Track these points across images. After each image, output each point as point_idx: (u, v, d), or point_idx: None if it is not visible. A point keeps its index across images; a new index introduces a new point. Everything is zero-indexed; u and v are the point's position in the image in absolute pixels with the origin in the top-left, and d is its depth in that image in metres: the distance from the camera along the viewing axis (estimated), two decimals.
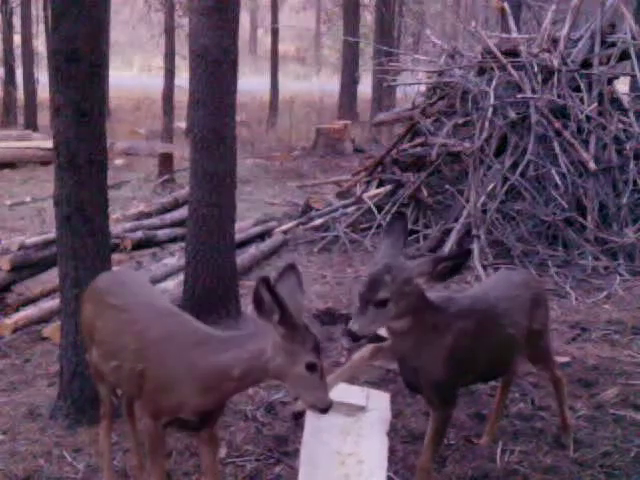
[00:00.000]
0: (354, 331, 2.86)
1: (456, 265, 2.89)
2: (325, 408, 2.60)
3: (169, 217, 7.59)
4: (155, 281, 5.92)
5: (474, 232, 7.20)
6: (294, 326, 2.56)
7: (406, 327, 3.01)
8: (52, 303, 5.27)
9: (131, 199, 9.72)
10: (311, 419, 3.41)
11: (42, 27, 17.37)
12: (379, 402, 3.55)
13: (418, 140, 8.42)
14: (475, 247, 7.03)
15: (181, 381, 2.69)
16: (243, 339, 2.69)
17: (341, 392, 3.56)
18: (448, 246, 7.13)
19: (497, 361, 3.36)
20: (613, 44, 8.48)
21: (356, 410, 3.45)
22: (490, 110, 7.81)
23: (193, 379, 2.67)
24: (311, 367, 2.56)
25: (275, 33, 19.98)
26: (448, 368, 3.05)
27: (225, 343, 2.70)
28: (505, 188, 7.47)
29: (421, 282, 2.89)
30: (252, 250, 7.10)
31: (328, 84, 22.20)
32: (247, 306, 5.75)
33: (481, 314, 3.24)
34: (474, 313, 3.20)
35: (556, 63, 8.06)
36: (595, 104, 7.89)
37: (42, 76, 16.42)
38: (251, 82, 19.26)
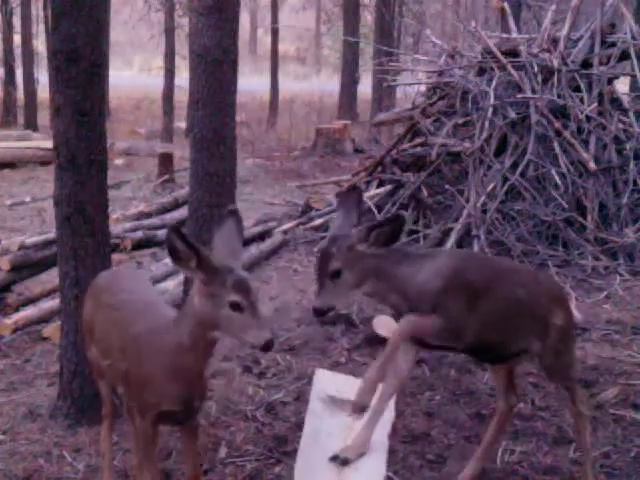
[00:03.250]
0: (317, 307, 2.97)
1: (392, 231, 2.97)
2: (264, 345, 2.50)
3: (169, 217, 7.59)
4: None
5: (474, 232, 7.20)
6: (213, 269, 2.53)
7: (379, 290, 3.06)
8: (52, 303, 5.27)
9: (131, 199, 9.72)
10: (311, 419, 3.41)
11: (42, 27, 17.37)
12: None
13: (418, 140, 8.42)
14: (475, 247, 7.04)
15: (157, 372, 2.69)
16: (183, 308, 2.71)
17: (345, 388, 3.56)
18: (448, 246, 7.13)
19: (495, 330, 3.11)
20: (613, 44, 8.48)
21: None
22: (490, 110, 7.81)
23: (165, 367, 2.67)
24: (235, 306, 2.50)
25: (275, 33, 20.00)
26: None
27: (175, 320, 2.71)
28: (505, 188, 7.46)
29: (362, 249, 2.97)
30: (252, 250, 7.10)
31: (328, 84, 22.21)
32: None
33: (476, 266, 3.22)
34: (464, 261, 3.23)
35: (556, 63, 8.05)
36: (595, 104, 7.88)
37: (42, 76, 16.43)
38: (251, 82, 19.27)
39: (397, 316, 3.25)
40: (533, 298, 3.16)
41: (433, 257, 3.17)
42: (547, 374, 3.31)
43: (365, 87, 18.65)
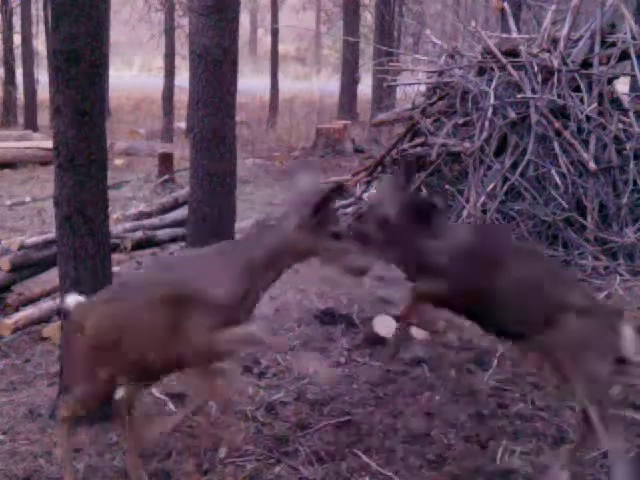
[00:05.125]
0: None
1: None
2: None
3: (169, 217, 7.57)
4: None
5: None
6: None
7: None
8: (52, 303, 5.26)
9: (131, 199, 9.72)
10: None
11: (42, 27, 17.37)
12: None
13: (418, 140, 8.42)
14: None
15: None
16: None
17: None
18: None
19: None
20: (613, 44, 8.48)
21: None
22: (490, 110, 7.81)
23: None
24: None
25: (275, 33, 19.98)
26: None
27: None
28: (505, 188, 7.47)
29: None
30: None
31: (328, 84, 22.21)
32: None
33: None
34: None
35: (556, 63, 8.05)
36: (595, 104, 7.88)
37: (42, 76, 16.42)
38: (251, 82, 19.27)
39: None
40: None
41: None
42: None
43: (365, 87, 18.64)
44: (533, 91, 7.91)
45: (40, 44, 17.45)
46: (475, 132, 7.82)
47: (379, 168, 8.68)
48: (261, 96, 19.30)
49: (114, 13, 22.29)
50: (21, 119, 16.71)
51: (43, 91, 16.20)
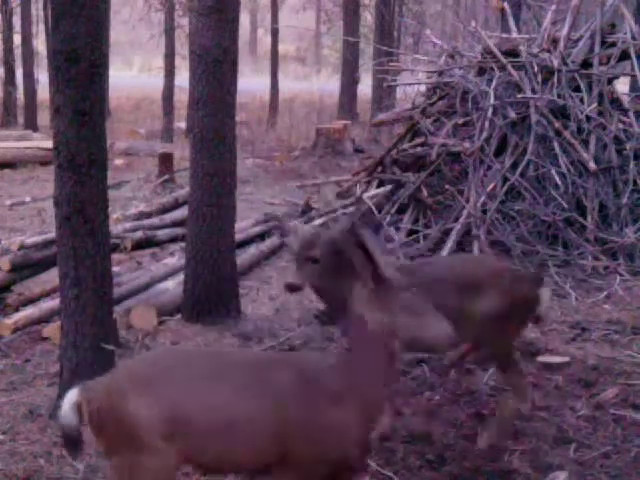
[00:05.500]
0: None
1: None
2: None
3: (169, 217, 7.58)
4: (155, 281, 5.93)
5: (474, 232, 7.20)
6: None
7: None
8: (52, 303, 5.26)
9: (131, 199, 9.72)
10: None
11: (42, 27, 17.37)
12: None
13: (418, 140, 8.41)
14: (475, 247, 7.04)
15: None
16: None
17: None
18: (448, 246, 7.13)
19: None
20: (613, 44, 8.47)
21: None
22: (490, 110, 7.80)
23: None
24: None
25: (275, 33, 19.97)
26: None
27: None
28: (505, 188, 7.46)
29: None
30: (252, 250, 7.10)
31: (328, 84, 22.20)
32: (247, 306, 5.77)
33: None
34: None
35: (556, 63, 8.05)
36: (595, 104, 7.88)
37: (42, 76, 16.42)
38: (251, 82, 19.27)
39: None
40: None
41: None
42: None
43: (365, 87, 18.63)
44: (533, 91, 7.90)
45: (40, 44, 17.45)
46: (475, 132, 7.81)
47: (379, 168, 8.67)
48: (261, 96, 19.30)
49: (114, 13, 22.32)
50: (21, 119, 16.71)
51: (43, 91, 16.19)
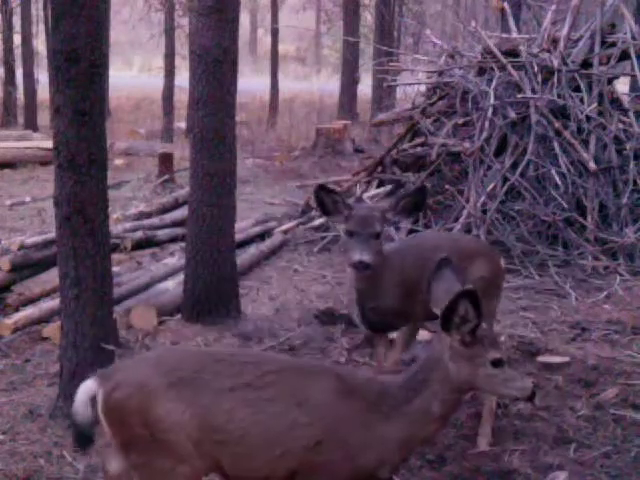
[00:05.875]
0: (367, 261, 3.44)
1: (417, 201, 3.60)
2: (530, 395, 2.57)
3: (169, 217, 7.58)
4: (155, 281, 5.93)
5: (474, 232, 7.20)
6: (473, 334, 2.51)
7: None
8: (52, 303, 5.26)
9: (131, 199, 9.72)
10: None
11: (42, 27, 17.37)
12: None
13: (418, 140, 8.42)
14: None
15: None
16: (418, 375, 2.74)
17: None
18: None
19: None
20: (613, 44, 8.47)
21: None
22: (490, 110, 7.80)
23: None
24: (497, 363, 2.52)
25: (275, 33, 19.98)
26: None
27: (408, 388, 2.76)
28: (505, 188, 7.46)
29: (390, 216, 3.59)
30: (252, 250, 7.10)
31: (328, 84, 22.20)
32: (247, 306, 5.77)
33: None
34: None
35: (556, 63, 8.05)
36: (595, 104, 7.87)
37: (42, 76, 16.42)
38: (251, 82, 19.27)
39: None
40: None
41: None
42: None
43: (365, 87, 18.64)
44: (533, 91, 7.90)
45: (40, 44, 17.45)
46: (475, 132, 7.81)
47: (379, 168, 8.67)
48: (261, 96, 19.30)
49: (114, 13, 22.33)
50: (21, 119, 16.71)
51: (43, 91, 16.19)
